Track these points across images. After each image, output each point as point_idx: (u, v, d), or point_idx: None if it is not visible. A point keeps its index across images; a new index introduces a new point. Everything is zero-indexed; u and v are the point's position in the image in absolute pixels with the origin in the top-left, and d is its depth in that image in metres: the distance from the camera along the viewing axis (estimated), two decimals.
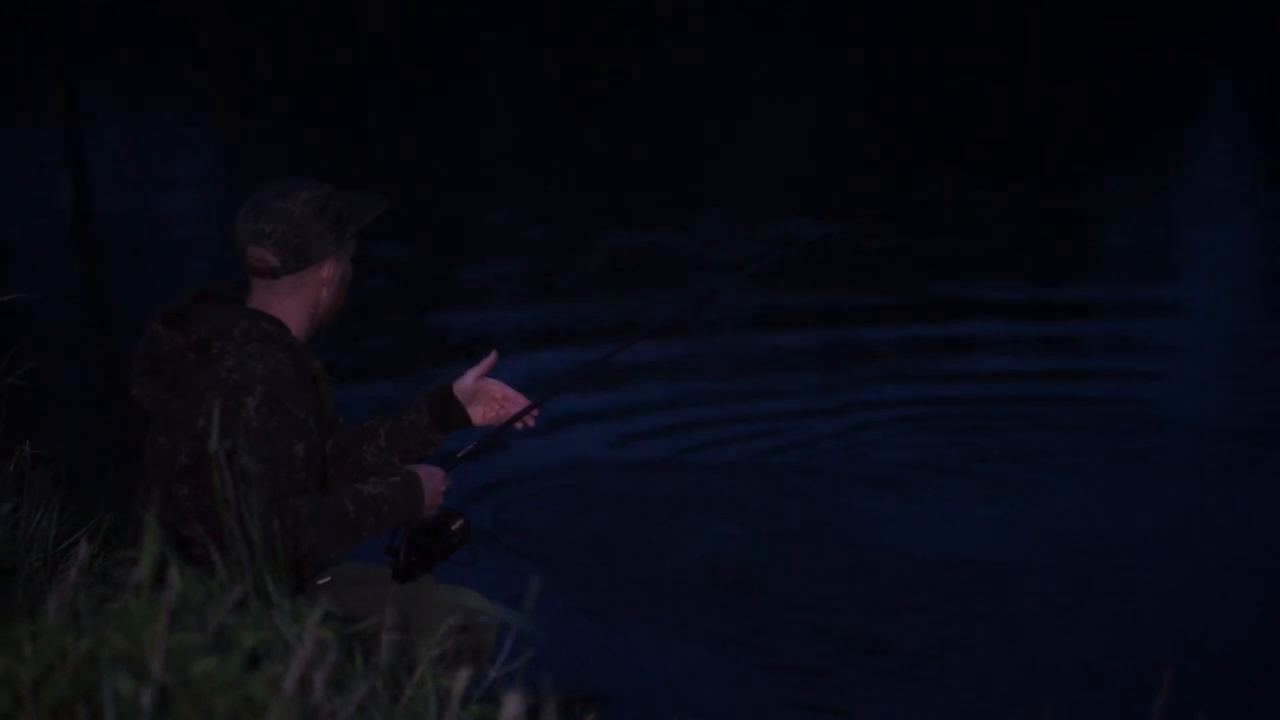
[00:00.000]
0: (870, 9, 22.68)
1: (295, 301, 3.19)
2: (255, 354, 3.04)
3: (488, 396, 3.48)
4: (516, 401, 3.48)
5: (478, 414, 3.47)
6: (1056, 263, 10.15)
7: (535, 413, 3.48)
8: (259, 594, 1.88)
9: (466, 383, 3.47)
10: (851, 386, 7.51)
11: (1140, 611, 4.96)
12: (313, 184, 3.21)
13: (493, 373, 3.49)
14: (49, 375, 4.72)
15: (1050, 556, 5.41)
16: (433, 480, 3.25)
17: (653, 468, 6.30)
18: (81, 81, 19.38)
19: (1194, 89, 17.76)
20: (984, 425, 6.74)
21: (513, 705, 1.56)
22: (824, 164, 13.41)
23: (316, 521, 2.97)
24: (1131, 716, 2.68)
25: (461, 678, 1.79)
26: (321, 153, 13.52)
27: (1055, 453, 6.42)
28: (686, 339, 7.71)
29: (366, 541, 3.15)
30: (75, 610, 1.72)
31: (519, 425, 3.47)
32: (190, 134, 16.30)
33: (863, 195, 11.22)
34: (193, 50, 21.18)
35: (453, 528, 3.33)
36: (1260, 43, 20.40)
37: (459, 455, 3.45)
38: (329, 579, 3.35)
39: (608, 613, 5.01)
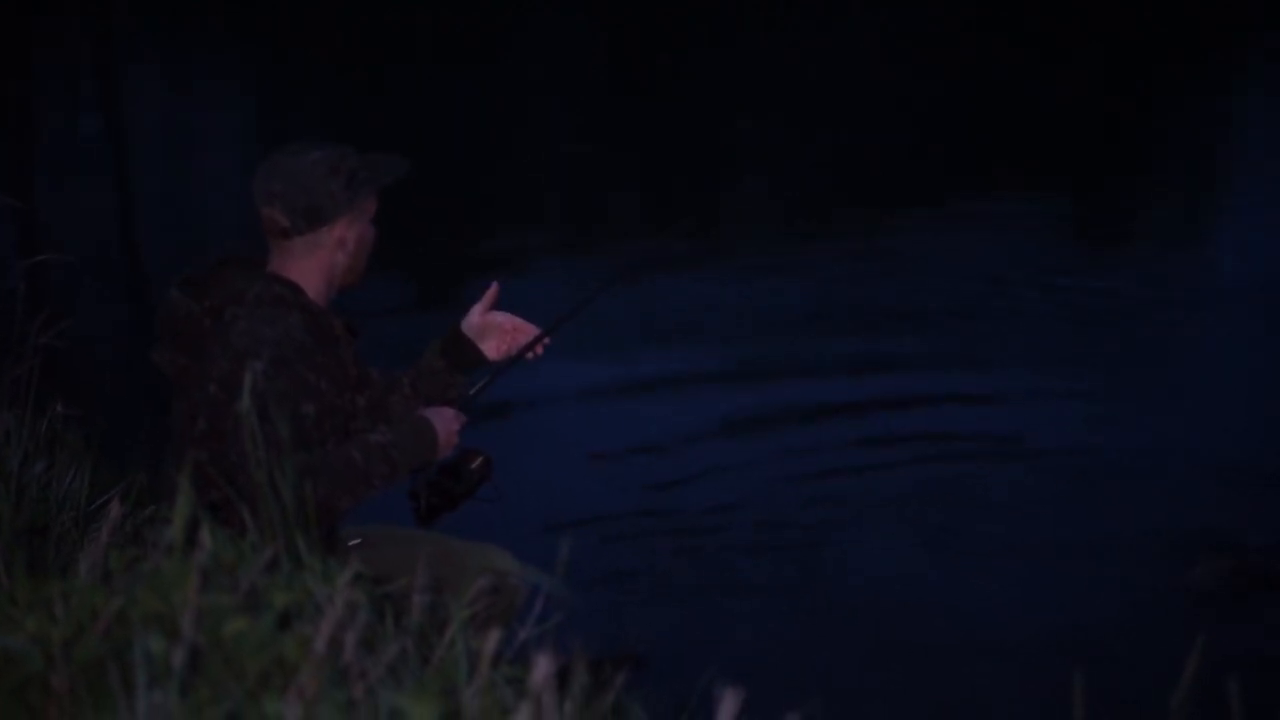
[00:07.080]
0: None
1: (310, 263, 3.18)
2: (265, 318, 3.06)
3: (498, 330, 3.47)
4: (527, 331, 3.47)
5: (491, 348, 3.47)
6: None
7: (547, 341, 3.45)
8: (290, 555, 1.88)
9: (473, 319, 3.47)
10: None
11: None
12: (328, 145, 3.20)
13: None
14: (82, 334, 4.72)
15: None
16: (444, 420, 3.23)
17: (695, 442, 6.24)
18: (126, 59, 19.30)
19: None
20: None
21: (543, 666, 1.56)
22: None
23: (320, 473, 2.95)
24: None
25: (492, 638, 1.79)
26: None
27: None
28: None
29: (385, 490, 3.12)
30: (107, 570, 1.72)
31: (530, 355, 3.45)
32: (235, 94, 16.28)
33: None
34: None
35: (472, 465, 3.31)
36: None
37: (471, 392, 3.43)
38: (360, 540, 3.35)
39: (640, 577, 4.99)
